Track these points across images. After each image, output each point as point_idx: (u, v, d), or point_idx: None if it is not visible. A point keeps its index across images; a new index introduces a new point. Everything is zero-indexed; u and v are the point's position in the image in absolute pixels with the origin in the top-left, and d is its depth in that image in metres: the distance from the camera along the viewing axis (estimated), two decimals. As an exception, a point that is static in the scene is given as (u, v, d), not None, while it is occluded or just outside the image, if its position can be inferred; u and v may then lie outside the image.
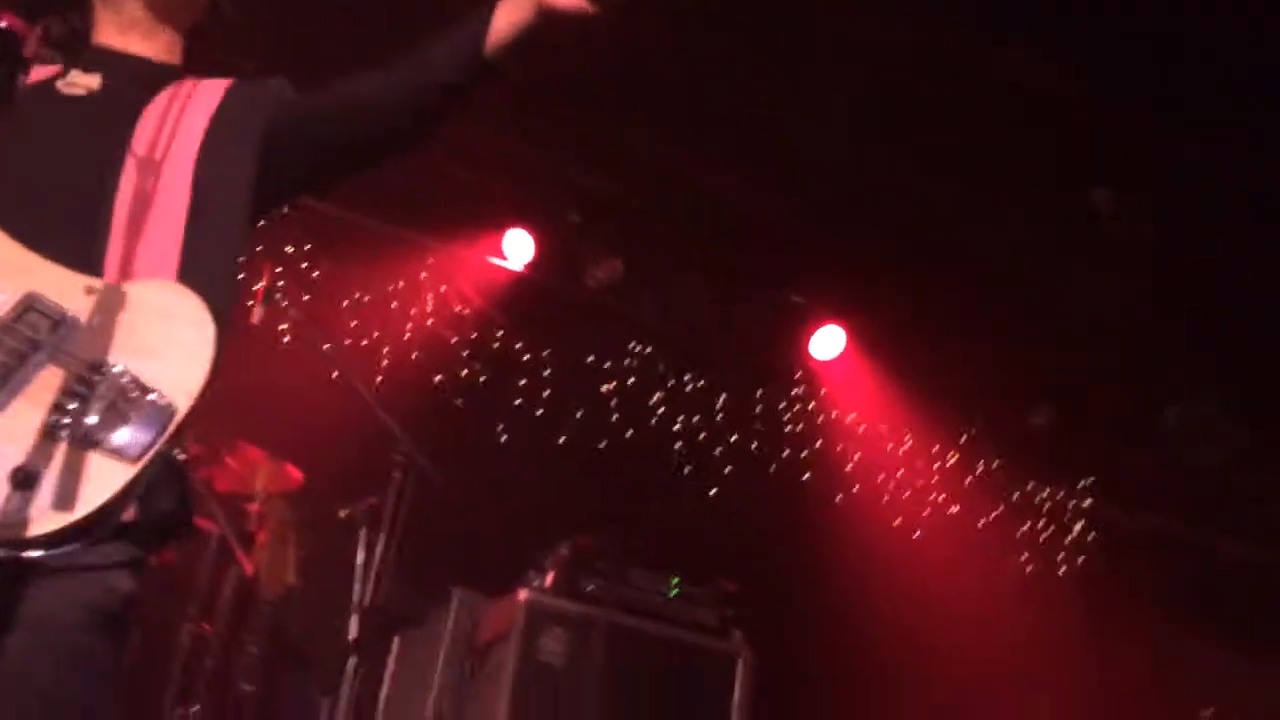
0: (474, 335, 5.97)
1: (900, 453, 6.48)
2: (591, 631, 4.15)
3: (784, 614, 5.56)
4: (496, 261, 5.96)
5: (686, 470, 6.25)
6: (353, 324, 5.72)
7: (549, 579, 4.35)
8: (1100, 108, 4.82)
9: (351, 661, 4.07)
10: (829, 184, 5.51)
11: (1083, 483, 6.66)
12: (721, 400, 6.36)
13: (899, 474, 6.47)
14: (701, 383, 6.33)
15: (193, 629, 4.01)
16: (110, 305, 1.62)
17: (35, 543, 1.45)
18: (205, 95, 1.94)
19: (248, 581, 3.95)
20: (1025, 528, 6.60)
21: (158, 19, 1.98)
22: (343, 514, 4.44)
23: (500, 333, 6.03)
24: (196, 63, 2.09)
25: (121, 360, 1.57)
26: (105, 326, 1.60)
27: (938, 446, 6.51)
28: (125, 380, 1.56)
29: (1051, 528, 6.61)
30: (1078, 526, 6.60)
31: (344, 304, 5.74)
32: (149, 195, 1.77)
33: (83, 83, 1.88)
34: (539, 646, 4.10)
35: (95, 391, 1.54)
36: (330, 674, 4.28)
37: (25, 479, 1.45)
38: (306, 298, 5.58)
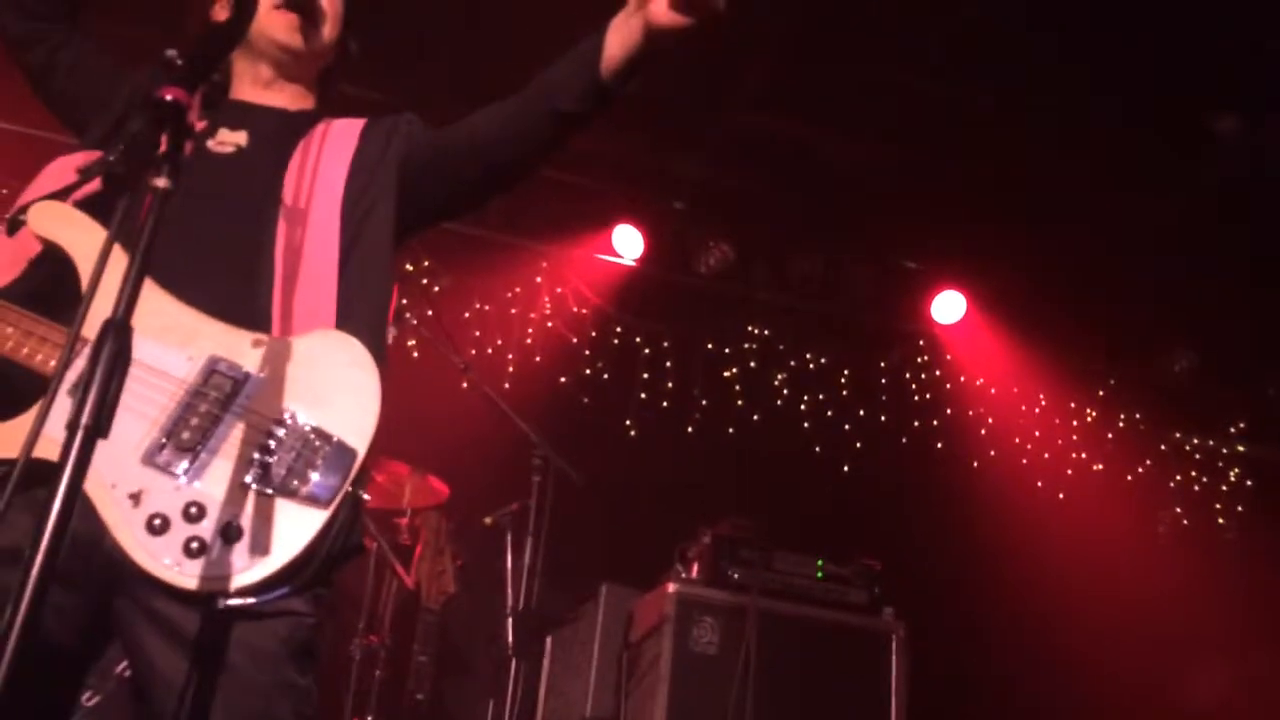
0: (594, 333, 6.04)
1: (1035, 413, 6.32)
2: (743, 619, 4.17)
3: (931, 588, 5.49)
4: (608, 258, 6.02)
5: (817, 449, 6.21)
6: (476, 334, 5.84)
7: (694, 569, 4.39)
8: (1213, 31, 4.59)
9: (511, 665, 4.19)
10: (934, 142, 5.39)
11: (1233, 428, 6.40)
12: (845, 375, 6.29)
13: (1036, 435, 6.31)
14: (823, 360, 6.28)
15: (362, 642, 4.17)
16: (281, 358, 1.72)
17: (246, 590, 1.56)
18: (341, 139, 2.00)
19: (410, 593, 4.08)
20: (1177, 479, 6.37)
21: (286, 75, 2.06)
22: (488, 521, 4.57)
23: (619, 328, 6.09)
24: (330, 103, 2.17)
25: (301, 411, 1.69)
26: (280, 380, 1.70)
27: (1074, 404, 6.33)
28: (307, 430, 1.67)
29: (1205, 478, 6.36)
30: (1233, 473, 6.35)
31: (466, 315, 5.87)
32: (300, 245, 1.85)
33: (231, 140, 1.95)
34: (692, 637, 4.14)
35: (283, 444, 1.66)
36: (491, 678, 4.41)
37: (232, 532, 1.58)
38: (430, 313, 5.74)
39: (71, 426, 1.18)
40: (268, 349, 1.71)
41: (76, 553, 1.51)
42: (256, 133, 1.96)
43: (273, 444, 1.65)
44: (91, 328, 1.26)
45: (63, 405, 1.22)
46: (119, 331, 1.23)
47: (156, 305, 1.70)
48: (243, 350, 1.71)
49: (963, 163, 5.45)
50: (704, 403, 6.11)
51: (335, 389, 1.72)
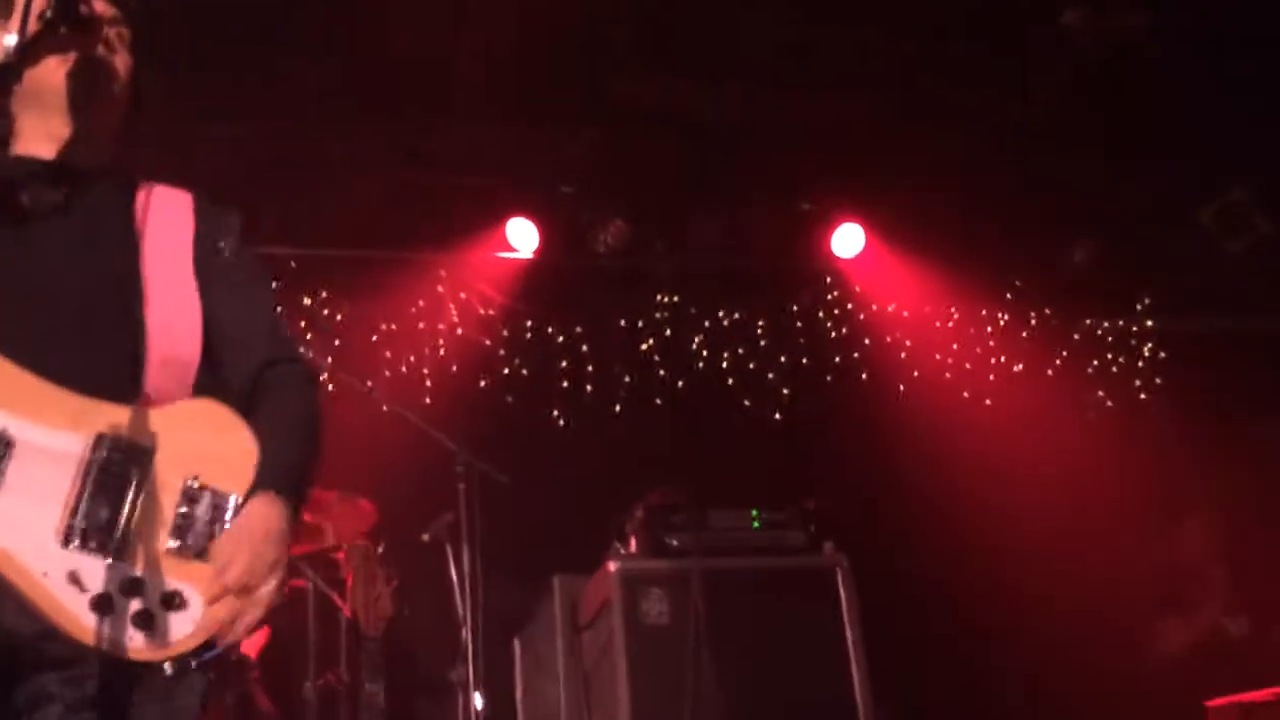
0: (505, 332, 6.03)
1: (949, 328, 6.42)
2: (688, 583, 4.20)
3: (878, 519, 5.58)
4: (506, 255, 6.00)
5: (746, 403, 6.26)
6: (388, 354, 5.81)
7: (632, 544, 4.42)
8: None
9: (469, 671, 4.19)
10: (804, 84, 5.43)
11: (1139, 305, 6.54)
12: (760, 326, 6.35)
13: (954, 349, 6.41)
14: (736, 315, 6.33)
15: (315, 684, 4.15)
16: (168, 429, 1.77)
17: (198, 651, 1.70)
18: (175, 214, 1.98)
19: (352, 624, 4.07)
20: (1094, 364, 6.50)
21: (83, 130, 1.94)
22: (425, 537, 4.56)
23: (529, 323, 6.08)
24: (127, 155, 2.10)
25: (199, 476, 1.78)
26: (173, 449, 1.77)
27: (984, 311, 6.44)
28: (210, 492, 1.77)
29: (1121, 358, 6.50)
30: (1146, 349, 6.49)
31: (374, 338, 5.83)
32: (158, 317, 1.85)
33: (47, 199, 1.86)
34: (641, 611, 4.17)
35: (193, 508, 1.76)
36: (456, 693, 4.41)
37: (173, 599, 1.68)
38: (337, 342, 5.70)
39: None
40: (151, 420, 1.76)
41: None
42: (73, 192, 1.89)
43: (184, 510, 1.75)
44: None
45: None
46: None
47: (23, 384, 1.69)
48: (128, 424, 1.73)
49: (837, 98, 5.49)
50: (626, 379, 6.13)
51: (220, 451, 1.82)
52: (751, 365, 6.30)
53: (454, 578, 4.46)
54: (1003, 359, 6.41)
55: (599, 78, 5.37)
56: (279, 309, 2.10)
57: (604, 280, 6.21)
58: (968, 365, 6.37)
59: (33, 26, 1.72)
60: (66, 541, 1.64)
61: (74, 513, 1.66)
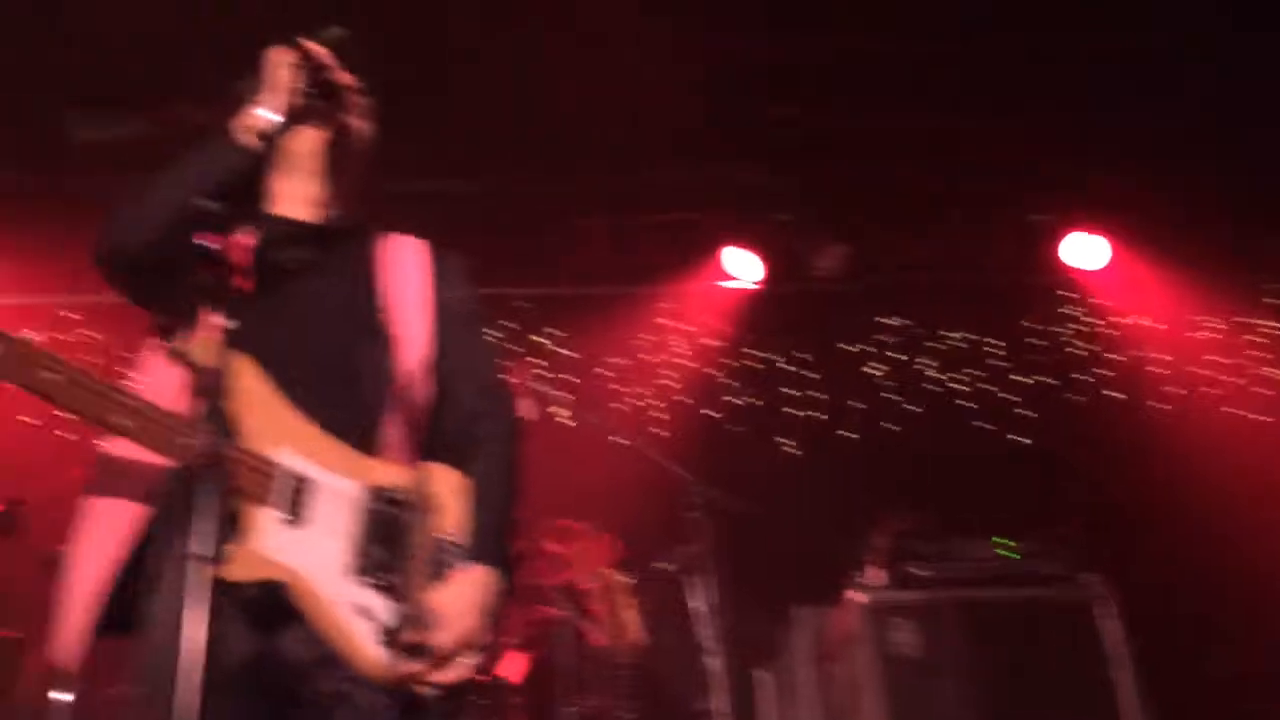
0: (731, 362, 6.05)
1: (1210, 338, 5.96)
2: (937, 614, 4.05)
3: (1139, 544, 5.22)
4: (723, 284, 6.03)
5: (982, 425, 6.02)
6: (619, 389, 5.93)
7: (876, 573, 4.30)
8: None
9: (720, 702, 4.18)
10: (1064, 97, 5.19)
11: None
12: (993, 343, 6.10)
13: (1217, 362, 5.95)
14: (967, 334, 6.11)
15: (570, 710, 4.25)
16: (428, 485, 1.91)
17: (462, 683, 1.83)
18: (414, 259, 2.10)
19: (603, 652, 4.14)
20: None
21: (328, 190, 2.06)
22: (663, 567, 4.60)
23: (754, 351, 6.08)
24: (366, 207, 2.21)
25: (452, 534, 1.92)
26: (433, 504, 1.91)
27: (1250, 320, 5.95)
28: (454, 549, 1.91)
29: None
30: None
31: (603, 373, 5.97)
32: (398, 372, 1.95)
33: (297, 256, 1.99)
34: (891, 642, 4.05)
35: (450, 558, 1.89)
36: (708, 717, 4.41)
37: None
38: (568, 378, 5.87)
39: (183, 558, 1.34)
40: (414, 477, 1.90)
41: (266, 666, 1.72)
42: (319, 248, 2.02)
43: (443, 557, 1.88)
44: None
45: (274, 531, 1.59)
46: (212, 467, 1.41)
47: (308, 433, 1.84)
48: (395, 478, 1.88)
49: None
50: (856, 405, 6.02)
51: (459, 514, 1.95)
52: (987, 385, 6.06)
53: (694, 608, 4.46)
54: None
55: (803, 108, 5.34)
56: (493, 355, 2.19)
57: (826, 305, 6.13)
58: (1239, 380, 5.88)
59: (289, 100, 1.87)
60: (354, 575, 1.79)
61: (359, 551, 1.81)
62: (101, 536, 1.77)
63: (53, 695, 3.89)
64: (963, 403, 6.04)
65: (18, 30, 4.68)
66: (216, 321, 1.42)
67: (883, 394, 6.08)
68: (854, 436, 5.94)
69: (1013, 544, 4.31)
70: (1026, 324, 6.16)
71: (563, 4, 4.68)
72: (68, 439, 5.34)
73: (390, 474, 1.88)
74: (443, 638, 1.77)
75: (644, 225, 5.94)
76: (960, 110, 5.28)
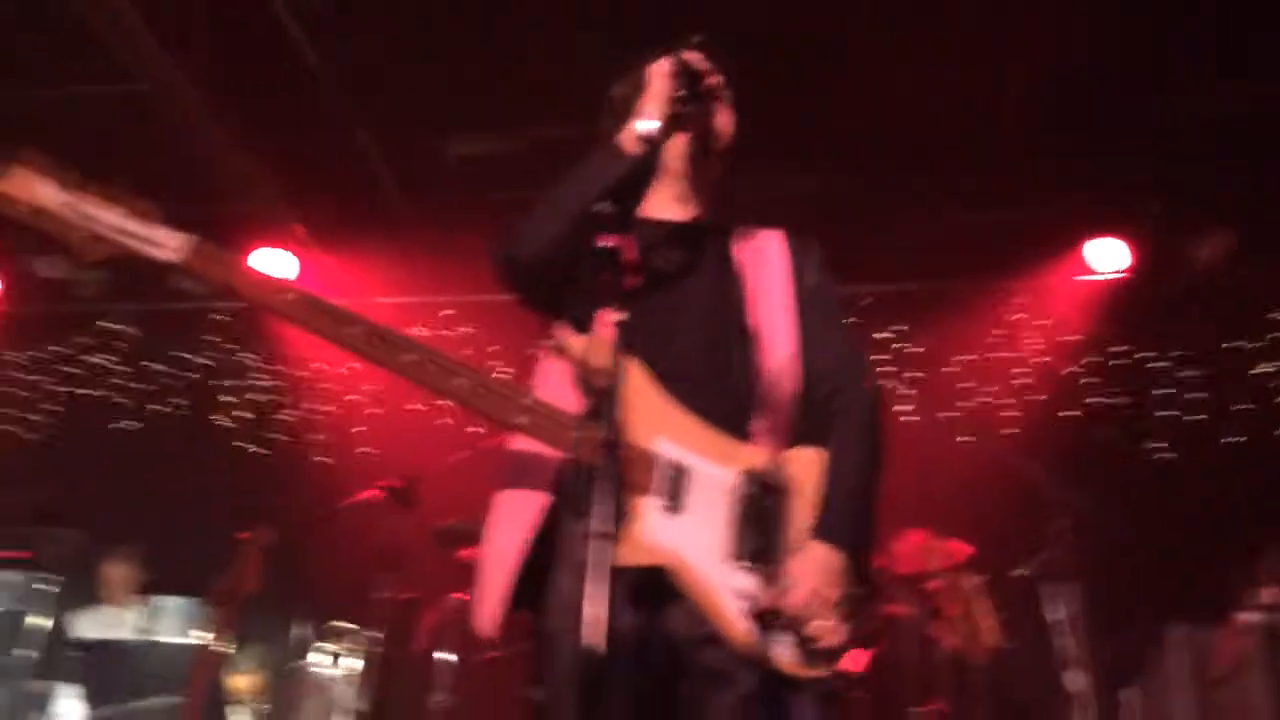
0: (1093, 359, 5.67)
1: None
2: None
3: None
4: (1087, 278, 5.66)
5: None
6: (967, 386, 5.73)
7: (1273, 592, 3.88)
8: None
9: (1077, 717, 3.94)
10: None
11: None
12: None
13: None
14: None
15: (919, 710, 4.16)
16: (796, 472, 1.94)
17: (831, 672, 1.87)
18: (773, 251, 2.14)
19: (955, 655, 4.03)
20: None
21: (691, 189, 2.16)
22: (1020, 573, 4.39)
23: (1122, 347, 5.66)
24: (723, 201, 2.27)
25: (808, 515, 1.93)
26: (801, 490, 1.94)
27: None
28: None
29: None
30: None
31: (952, 370, 5.79)
32: (766, 364, 2.01)
33: (671, 256, 2.09)
34: (1290, 669, 3.65)
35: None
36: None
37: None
38: (915, 376, 5.75)
39: (590, 535, 1.43)
40: (782, 462, 1.94)
41: (656, 643, 1.81)
42: (689, 247, 2.11)
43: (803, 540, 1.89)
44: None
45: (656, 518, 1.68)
46: (613, 452, 1.49)
47: (685, 423, 1.93)
48: (765, 464, 1.93)
49: None
50: (1240, 407, 5.45)
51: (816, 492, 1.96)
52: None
53: (1053, 619, 4.23)
54: None
55: (1155, 91, 4.90)
56: (849, 334, 2.16)
57: (1204, 300, 5.60)
58: None
59: (666, 108, 1.95)
60: (730, 561, 1.85)
61: (734, 536, 1.86)
62: (511, 524, 1.94)
63: (438, 655, 4.33)
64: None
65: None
66: (613, 319, 1.52)
67: (1269, 395, 5.47)
68: (1240, 440, 5.37)
69: None
70: None
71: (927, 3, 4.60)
72: (449, 425, 5.92)
73: (760, 459, 1.92)
74: (790, 605, 1.80)
75: (997, 220, 5.71)
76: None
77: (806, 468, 1.95)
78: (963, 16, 4.62)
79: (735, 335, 2.03)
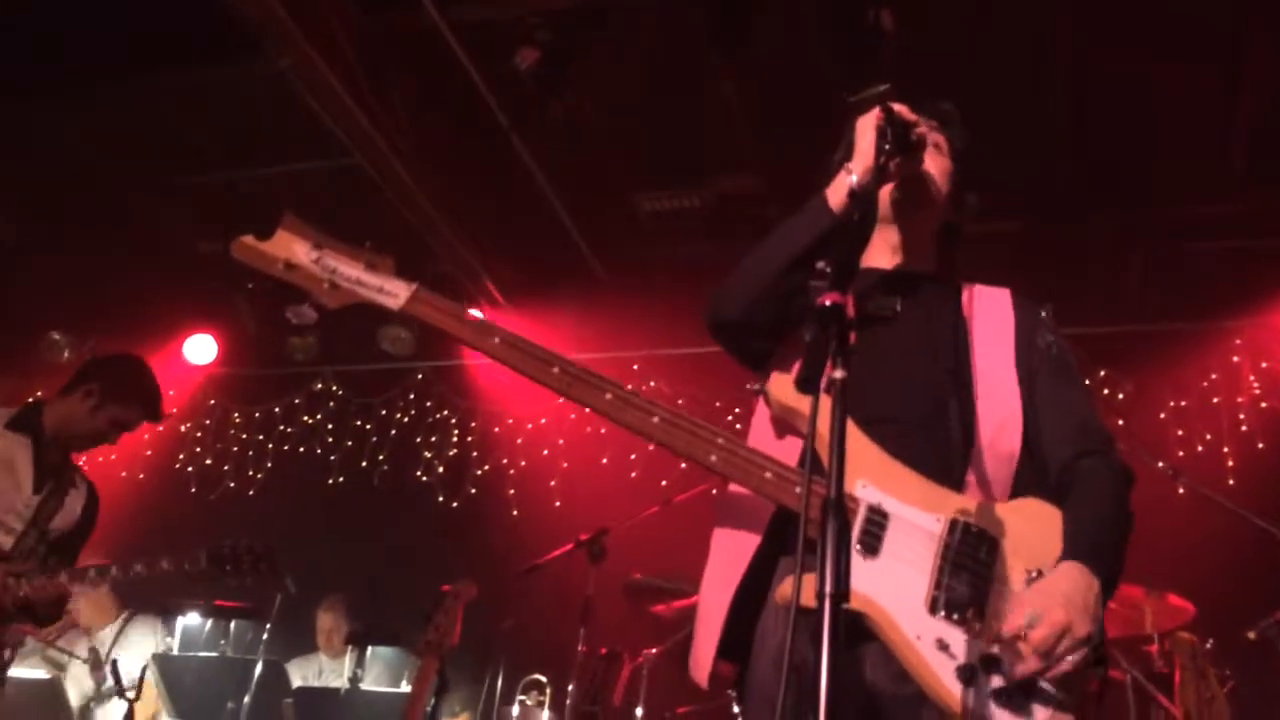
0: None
1: None
2: None
3: None
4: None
5: None
6: (1179, 433, 5.39)
7: None
8: None
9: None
10: None
11: None
12: None
13: None
14: None
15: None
16: (1013, 522, 1.85)
17: None
18: (995, 312, 2.09)
19: (1180, 724, 3.74)
20: None
21: (908, 239, 2.13)
22: (1251, 635, 4.06)
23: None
24: (952, 255, 2.22)
25: (1042, 570, 1.80)
26: (1018, 541, 1.84)
27: None
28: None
29: None
30: None
31: (1161, 416, 5.46)
32: (983, 414, 1.95)
33: (887, 305, 2.01)
34: None
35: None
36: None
37: (1029, 686, 1.73)
38: (1121, 422, 5.44)
39: (820, 597, 1.37)
40: (995, 511, 1.85)
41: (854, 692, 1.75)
42: (899, 293, 2.04)
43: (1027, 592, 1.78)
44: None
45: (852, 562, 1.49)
46: (838, 509, 1.42)
47: (888, 467, 1.89)
48: (976, 512, 1.85)
49: None
50: None
51: (1052, 548, 1.83)
52: None
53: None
54: None
55: None
56: (1091, 400, 2.07)
57: None
58: None
59: (871, 160, 1.93)
60: (933, 610, 1.77)
61: (938, 585, 1.78)
62: (724, 570, 1.94)
63: (636, 711, 4.35)
64: None
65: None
66: (835, 375, 1.50)
67: None
68: None
69: None
70: None
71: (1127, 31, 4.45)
72: (638, 479, 5.99)
73: (973, 507, 1.85)
74: (1036, 634, 1.67)
75: (1201, 255, 5.41)
76: None
77: (1032, 519, 1.85)
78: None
79: (950, 383, 1.98)
